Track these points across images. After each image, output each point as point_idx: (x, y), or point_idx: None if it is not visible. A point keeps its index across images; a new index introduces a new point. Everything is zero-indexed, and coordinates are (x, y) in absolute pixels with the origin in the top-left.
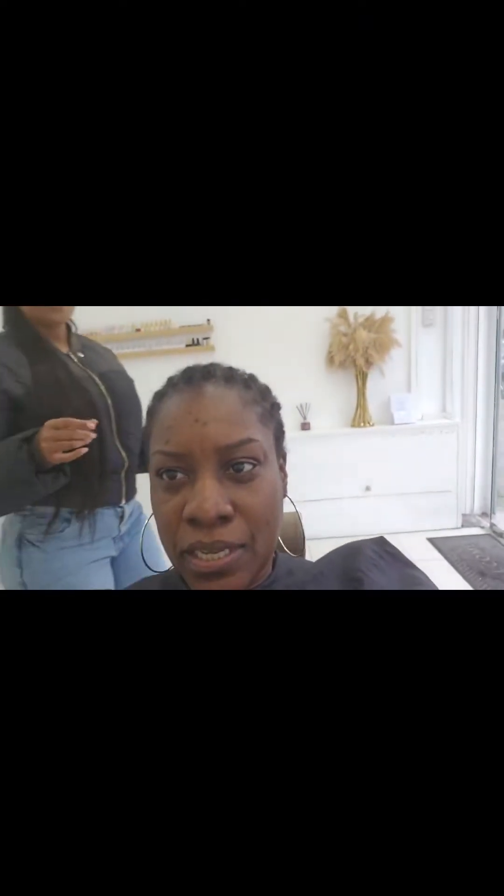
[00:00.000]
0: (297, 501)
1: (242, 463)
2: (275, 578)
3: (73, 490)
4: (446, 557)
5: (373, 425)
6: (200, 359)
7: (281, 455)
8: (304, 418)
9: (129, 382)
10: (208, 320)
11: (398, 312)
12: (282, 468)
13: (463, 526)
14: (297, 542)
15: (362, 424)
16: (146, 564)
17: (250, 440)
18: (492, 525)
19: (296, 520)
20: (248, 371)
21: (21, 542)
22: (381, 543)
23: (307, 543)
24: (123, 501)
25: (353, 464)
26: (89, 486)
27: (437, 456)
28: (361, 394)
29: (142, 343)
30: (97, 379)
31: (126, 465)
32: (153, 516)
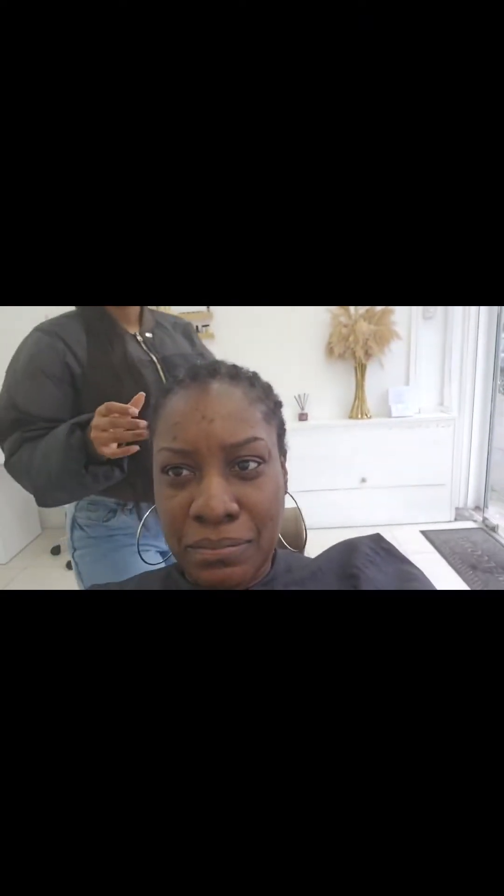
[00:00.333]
0: (292, 491)
1: (248, 461)
2: (274, 575)
3: (122, 480)
4: (439, 550)
5: (370, 417)
6: None
7: (282, 452)
8: (302, 409)
9: None
10: (208, 308)
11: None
12: (283, 465)
13: (456, 519)
14: (299, 538)
15: (360, 416)
16: (142, 559)
17: (256, 438)
18: (484, 519)
19: (297, 515)
20: (249, 362)
21: (74, 523)
22: (377, 540)
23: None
24: None
25: (350, 455)
26: (138, 479)
27: (432, 450)
28: (360, 386)
29: None
30: (158, 363)
31: None
32: (153, 510)
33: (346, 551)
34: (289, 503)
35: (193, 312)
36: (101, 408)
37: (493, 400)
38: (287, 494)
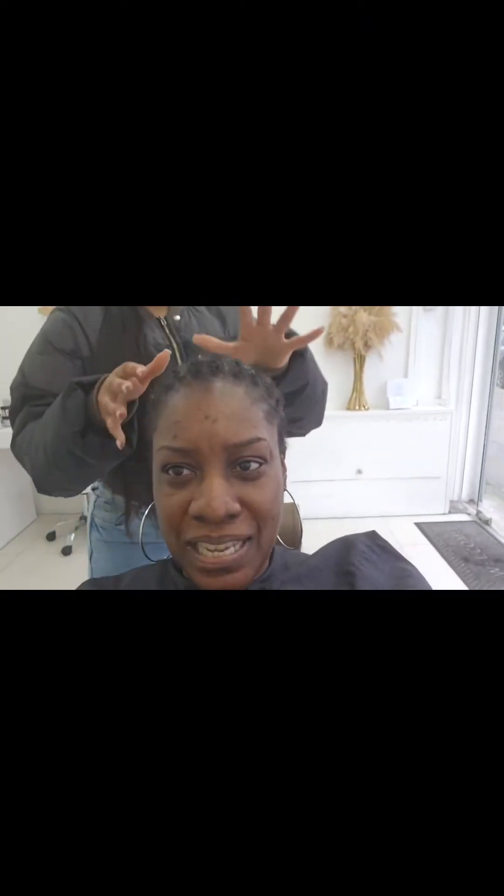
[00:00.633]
0: (287, 482)
1: (249, 461)
2: (271, 573)
3: (136, 478)
4: (432, 542)
5: (368, 409)
6: None
7: (282, 450)
8: None
9: None
10: None
11: None
12: (282, 461)
13: (450, 512)
14: (295, 534)
15: (358, 408)
16: (145, 555)
17: (258, 439)
18: (478, 512)
19: (293, 511)
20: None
21: (92, 523)
22: (372, 537)
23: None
24: None
25: (346, 447)
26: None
27: (429, 442)
28: (358, 377)
29: None
30: (178, 348)
31: None
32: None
33: (343, 549)
34: (285, 498)
35: None
36: (119, 369)
37: (490, 393)
38: (285, 492)
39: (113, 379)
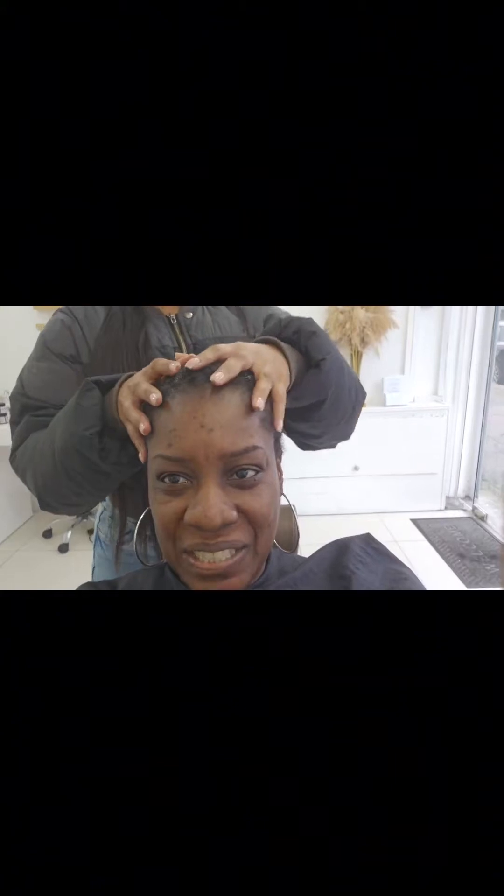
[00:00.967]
0: (283, 478)
1: (246, 470)
2: (267, 577)
3: (130, 491)
4: (428, 539)
5: (364, 406)
6: None
7: (278, 454)
8: None
9: None
10: None
11: None
12: (278, 466)
13: (446, 508)
14: (291, 537)
15: None
16: (139, 560)
17: (254, 447)
18: (474, 509)
19: (290, 515)
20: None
21: (97, 538)
22: (367, 540)
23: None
24: None
25: (343, 443)
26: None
27: (425, 439)
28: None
29: None
30: (187, 349)
31: None
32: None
33: (337, 552)
34: (281, 502)
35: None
36: (148, 368)
37: (487, 390)
38: (282, 496)
39: (140, 383)
